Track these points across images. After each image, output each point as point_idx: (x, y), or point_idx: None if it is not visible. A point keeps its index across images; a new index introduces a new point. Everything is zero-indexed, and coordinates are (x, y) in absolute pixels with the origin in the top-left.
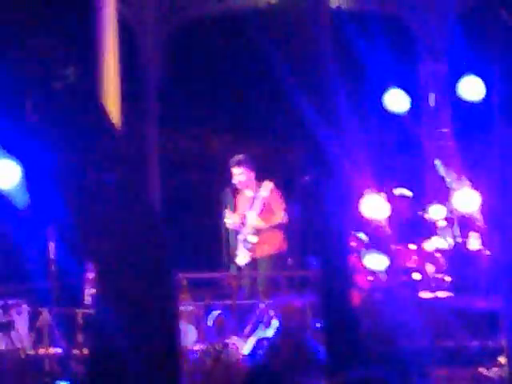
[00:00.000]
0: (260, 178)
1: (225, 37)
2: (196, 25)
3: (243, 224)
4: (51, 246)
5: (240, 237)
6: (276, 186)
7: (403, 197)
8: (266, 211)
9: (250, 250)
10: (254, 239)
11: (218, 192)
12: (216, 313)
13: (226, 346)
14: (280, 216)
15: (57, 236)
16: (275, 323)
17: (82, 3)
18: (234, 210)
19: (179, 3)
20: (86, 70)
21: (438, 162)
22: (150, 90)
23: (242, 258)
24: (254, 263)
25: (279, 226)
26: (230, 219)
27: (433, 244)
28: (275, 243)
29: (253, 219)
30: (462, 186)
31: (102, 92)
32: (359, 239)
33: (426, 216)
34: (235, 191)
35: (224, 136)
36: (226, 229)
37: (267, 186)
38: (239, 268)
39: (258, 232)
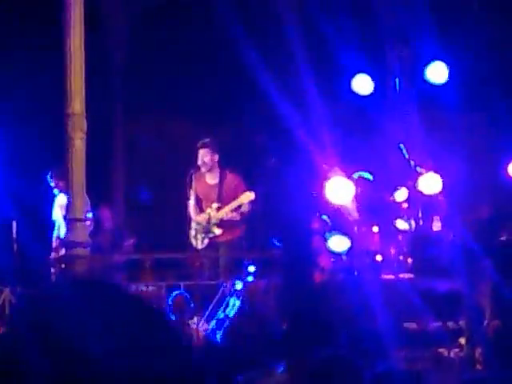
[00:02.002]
0: (225, 162)
1: (191, 16)
2: (160, 7)
3: (206, 218)
4: (14, 224)
5: (201, 226)
6: (239, 168)
7: (364, 179)
8: (228, 200)
9: (211, 238)
10: (218, 231)
11: (183, 173)
12: (175, 293)
13: (186, 326)
14: (246, 206)
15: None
16: (237, 303)
17: None
18: (194, 193)
19: None
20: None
21: (402, 146)
22: (114, 73)
23: (200, 242)
24: (214, 246)
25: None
26: (192, 202)
27: (396, 226)
28: (236, 229)
29: (223, 214)
30: (426, 170)
31: (67, 74)
32: (322, 221)
33: (391, 198)
34: (197, 174)
35: (188, 119)
36: (189, 212)
37: (248, 197)
38: (199, 249)
39: (220, 224)
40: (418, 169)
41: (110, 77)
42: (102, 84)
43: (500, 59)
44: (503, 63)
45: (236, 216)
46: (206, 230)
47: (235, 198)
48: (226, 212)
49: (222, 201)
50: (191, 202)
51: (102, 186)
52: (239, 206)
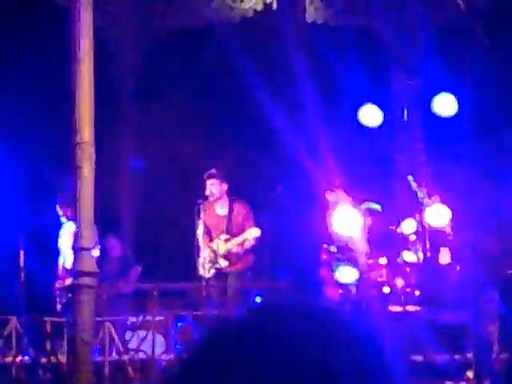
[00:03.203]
0: (233, 191)
1: (200, 49)
2: (171, 37)
3: (215, 248)
4: (21, 253)
5: (208, 256)
6: (245, 199)
7: (372, 210)
8: (236, 230)
9: (217, 269)
10: (224, 263)
11: (191, 203)
12: (181, 324)
13: None
14: (251, 242)
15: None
16: None
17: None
18: (203, 223)
19: (155, 15)
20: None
21: (410, 177)
22: (124, 100)
23: (207, 272)
24: (221, 275)
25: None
26: (200, 233)
27: (403, 258)
28: (243, 261)
29: (230, 247)
30: (434, 201)
31: (76, 103)
32: (330, 252)
33: (398, 230)
34: (206, 204)
35: (197, 147)
36: (197, 240)
37: (254, 234)
38: (206, 279)
39: (229, 255)
40: (426, 200)
41: (120, 106)
42: (112, 113)
43: (507, 88)
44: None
45: (241, 250)
46: (213, 261)
47: (243, 230)
48: (233, 245)
49: (231, 232)
50: (199, 232)
51: (110, 215)
52: (245, 240)
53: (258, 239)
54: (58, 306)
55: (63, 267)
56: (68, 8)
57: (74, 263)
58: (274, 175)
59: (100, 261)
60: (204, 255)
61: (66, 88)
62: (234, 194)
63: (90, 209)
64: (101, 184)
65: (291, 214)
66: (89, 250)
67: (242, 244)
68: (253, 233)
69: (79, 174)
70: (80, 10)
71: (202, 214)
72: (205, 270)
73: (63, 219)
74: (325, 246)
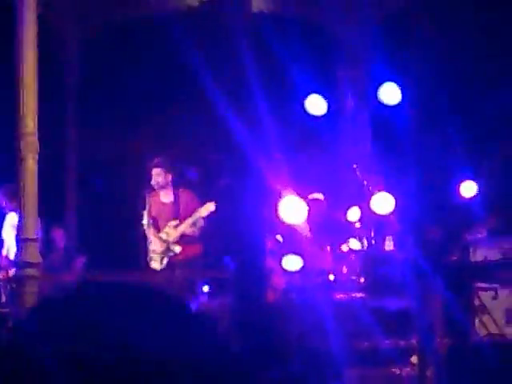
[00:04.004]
0: (176, 183)
1: (145, 39)
2: (117, 27)
3: (165, 237)
4: None
5: (160, 247)
6: (193, 187)
7: (317, 199)
8: (185, 217)
9: (170, 257)
10: (178, 248)
11: (137, 194)
12: None
13: None
14: (201, 223)
15: None
16: None
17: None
18: (148, 214)
19: (99, 5)
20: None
21: (355, 166)
22: (68, 92)
23: (159, 264)
24: (171, 266)
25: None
26: (145, 222)
27: (348, 245)
28: (190, 247)
29: (183, 229)
30: (378, 190)
31: (20, 93)
32: (276, 240)
33: (343, 218)
34: (151, 194)
35: (141, 139)
36: (143, 230)
37: (208, 209)
38: (154, 271)
39: (180, 240)
40: (371, 189)
41: (64, 96)
42: (55, 103)
43: (451, 78)
44: (454, 81)
45: (196, 231)
46: (166, 251)
47: (192, 212)
48: (185, 227)
49: (179, 217)
50: (144, 222)
51: (54, 205)
52: (197, 219)
53: (205, 224)
54: (3, 298)
55: (6, 258)
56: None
57: (17, 254)
58: (220, 166)
59: (45, 252)
60: (154, 248)
61: (11, 79)
62: (179, 185)
63: (33, 200)
64: (45, 175)
65: (238, 204)
66: (32, 240)
67: (194, 224)
68: (207, 208)
69: (23, 166)
70: (23, 2)
71: (147, 205)
72: (157, 263)
73: (6, 210)
74: (278, 236)
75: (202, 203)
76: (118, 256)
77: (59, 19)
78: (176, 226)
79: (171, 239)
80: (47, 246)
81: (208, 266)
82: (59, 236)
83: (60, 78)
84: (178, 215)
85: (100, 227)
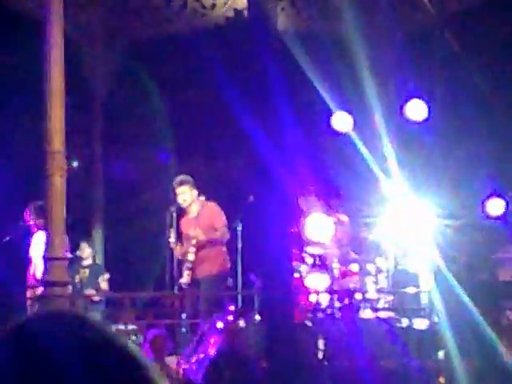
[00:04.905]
0: (205, 197)
1: (172, 57)
2: (144, 45)
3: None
4: None
5: (184, 261)
6: (220, 205)
7: (342, 221)
8: (207, 229)
9: (190, 269)
10: (191, 257)
11: (163, 212)
12: (152, 332)
13: (164, 365)
14: (222, 232)
15: None
16: (217, 343)
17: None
18: (178, 231)
19: (127, 24)
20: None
21: (381, 182)
22: (95, 109)
23: (184, 278)
24: (195, 283)
25: (221, 244)
26: (173, 240)
27: (375, 264)
28: (216, 262)
29: (195, 232)
30: (404, 208)
31: (47, 111)
32: (302, 259)
33: (370, 237)
34: (180, 211)
35: (168, 156)
36: (170, 249)
37: (198, 234)
38: (181, 288)
39: (197, 250)
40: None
41: (91, 113)
42: (83, 122)
43: (477, 94)
44: (480, 98)
45: (213, 236)
46: (185, 258)
47: (206, 224)
48: (197, 235)
49: (199, 228)
50: (172, 241)
51: (81, 223)
52: (211, 230)
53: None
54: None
55: (34, 277)
56: (40, 19)
57: (44, 273)
58: (246, 183)
59: (74, 270)
60: (182, 262)
61: (38, 98)
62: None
63: (61, 218)
64: (72, 192)
65: (264, 221)
66: (59, 259)
67: (207, 232)
68: (196, 233)
69: (50, 184)
70: (51, 20)
71: (173, 222)
72: (183, 277)
73: (34, 228)
74: (297, 252)
75: (225, 217)
76: (143, 273)
77: (87, 37)
78: (191, 238)
79: (188, 249)
80: (76, 263)
81: (234, 283)
82: (86, 253)
83: (87, 95)
84: (199, 226)
85: (126, 244)
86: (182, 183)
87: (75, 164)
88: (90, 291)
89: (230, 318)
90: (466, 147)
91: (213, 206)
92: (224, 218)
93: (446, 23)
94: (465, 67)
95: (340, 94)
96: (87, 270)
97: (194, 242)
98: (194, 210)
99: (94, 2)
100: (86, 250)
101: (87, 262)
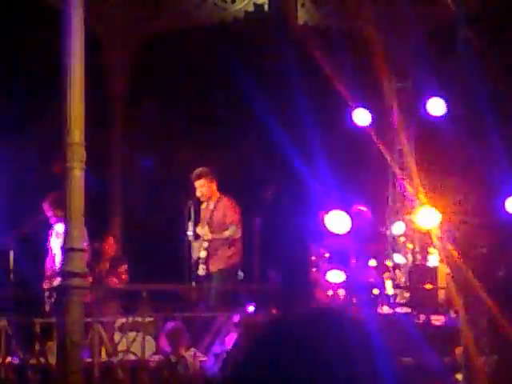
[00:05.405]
0: (223, 191)
1: (191, 51)
2: (163, 38)
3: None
4: (11, 254)
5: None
6: (237, 199)
7: (361, 212)
8: (217, 224)
9: (204, 263)
10: (203, 254)
11: (182, 204)
12: (170, 324)
13: (181, 357)
14: (231, 231)
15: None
16: (234, 336)
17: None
18: (198, 221)
19: (147, 16)
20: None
21: (401, 179)
22: (114, 103)
23: (201, 270)
24: (209, 277)
25: (231, 241)
26: (191, 234)
27: (393, 260)
28: (225, 258)
29: (202, 231)
30: (423, 203)
31: (67, 103)
32: (320, 253)
33: (388, 232)
34: (199, 203)
35: (187, 148)
36: (189, 241)
37: (200, 231)
38: (198, 281)
39: (208, 247)
40: (415, 202)
41: (110, 107)
42: (102, 114)
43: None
44: (499, 96)
45: (221, 238)
46: (199, 254)
47: (223, 225)
48: (207, 233)
49: (211, 226)
50: (189, 233)
51: (100, 215)
52: (221, 226)
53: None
54: (47, 307)
55: (52, 268)
56: (59, 9)
57: (62, 264)
58: (265, 176)
59: (95, 261)
60: (197, 251)
61: (57, 89)
62: (226, 192)
63: (80, 209)
64: (90, 184)
65: (282, 216)
66: (78, 250)
67: (221, 233)
68: (203, 232)
69: (69, 175)
70: (71, 11)
71: (191, 213)
72: (200, 270)
73: (53, 220)
74: (315, 246)
75: (245, 218)
76: (162, 266)
77: (107, 31)
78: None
79: (201, 245)
80: (98, 254)
81: (251, 277)
82: (110, 245)
83: (107, 88)
84: (211, 223)
85: (144, 237)
86: (200, 176)
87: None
88: (111, 282)
89: (247, 311)
90: (485, 144)
91: (227, 201)
92: (237, 214)
93: (467, 20)
94: (485, 64)
95: (358, 90)
96: (107, 263)
97: (205, 241)
98: (213, 203)
99: None
100: (110, 243)
101: (110, 254)
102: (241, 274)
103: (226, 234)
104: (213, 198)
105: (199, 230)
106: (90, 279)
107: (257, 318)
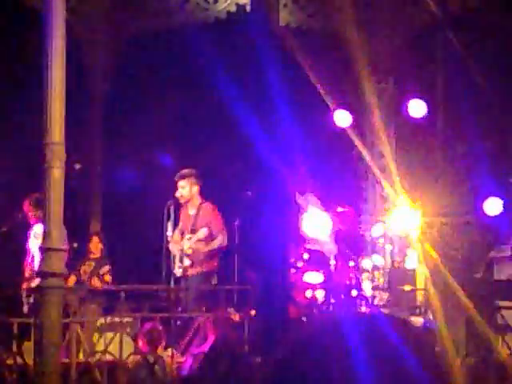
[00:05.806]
0: (203, 193)
1: (173, 51)
2: (145, 38)
3: (181, 249)
4: None
5: (177, 253)
6: (216, 201)
7: (344, 212)
8: (206, 236)
9: (183, 269)
10: (187, 262)
11: (161, 205)
12: (147, 325)
13: (159, 358)
14: (220, 240)
15: None
16: (212, 337)
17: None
18: (176, 224)
19: (128, 16)
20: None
21: (379, 180)
22: (95, 103)
23: (178, 270)
24: (187, 278)
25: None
26: (170, 234)
27: (371, 261)
28: (207, 264)
29: (193, 243)
30: (401, 205)
31: (47, 102)
32: (299, 254)
33: (367, 234)
34: (179, 204)
35: (167, 150)
36: (167, 242)
37: (204, 232)
38: (177, 281)
39: (192, 254)
40: (394, 204)
41: (90, 107)
42: (82, 114)
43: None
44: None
45: (206, 249)
46: (180, 259)
47: (203, 227)
48: (193, 242)
49: (196, 230)
50: (169, 234)
51: (79, 216)
52: (209, 237)
53: (227, 240)
54: (25, 307)
55: (31, 268)
56: (40, 9)
57: (40, 264)
58: (244, 178)
59: (78, 262)
60: (174, 252)
61: (37, 88)
62: (206, 197)
63: (59, 209)
64: (69, 184)
65: (261, 218)
66: (56, 250)
67: (203, 241)
68: (200, 233)
69: (49, 175)
70: (52, 11)
71: (171, 215)
72: (175, 267)
73: (33, 220)
74: (293, 248)
75: (223, 218)
76: (141, 266)
77: (89, 30)
78: (189, 239)
79: (185, 250)
80: (84, 255)
81: (229, 278)
82: (94, 244)
83: (88, 88)
84: (194, 230)
85: (124, 238)
86: (183, 177)
87: (77, 166)
88: (94, 282)
89: (225, 312)
90: (465, 146)
91: (209, 208)
92: (221, 221)
93: (448, 22)
94: (465, 66)
95: (339, 91)
96: (93, 263)
97: (186, 249)
98: (193, 207)
99: None
100: (95, 242)
101: (95, 255)
102: (215, 278)
103: (216, 244)
104: (192, 203)
105: (185, 244)
106: (74, 278)
107: (234, 319)
